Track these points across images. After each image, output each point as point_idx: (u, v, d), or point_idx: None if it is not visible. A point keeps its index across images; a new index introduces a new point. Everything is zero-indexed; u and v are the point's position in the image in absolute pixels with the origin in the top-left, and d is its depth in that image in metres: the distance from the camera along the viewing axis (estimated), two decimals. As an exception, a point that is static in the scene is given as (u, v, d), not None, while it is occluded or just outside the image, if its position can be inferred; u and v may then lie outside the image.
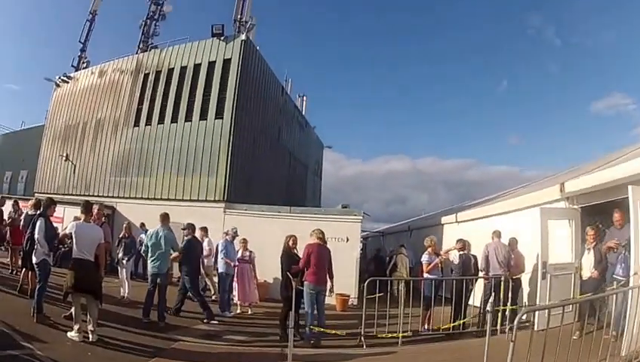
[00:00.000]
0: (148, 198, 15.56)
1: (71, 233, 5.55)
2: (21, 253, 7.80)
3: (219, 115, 15.13)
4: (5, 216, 10.27)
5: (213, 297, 10.03)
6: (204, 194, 14.76)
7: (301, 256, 7.00)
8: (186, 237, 8.30)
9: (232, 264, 9.30)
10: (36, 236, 6.12)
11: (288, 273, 6.94)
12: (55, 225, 6.86)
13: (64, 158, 17.78)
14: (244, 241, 9.56)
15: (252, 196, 15.45)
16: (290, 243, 7.32)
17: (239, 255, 9.44)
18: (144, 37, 18.00)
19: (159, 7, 18.40)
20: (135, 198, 15.87)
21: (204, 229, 9.78)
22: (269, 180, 17.93)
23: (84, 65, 19.06)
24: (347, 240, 11.93)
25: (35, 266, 6.19)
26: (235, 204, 14.25)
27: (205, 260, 10.00)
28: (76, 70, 19.09)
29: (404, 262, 12.74)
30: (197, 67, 15.99)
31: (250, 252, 9.60)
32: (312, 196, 23.20)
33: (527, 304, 7.80)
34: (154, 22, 18.28)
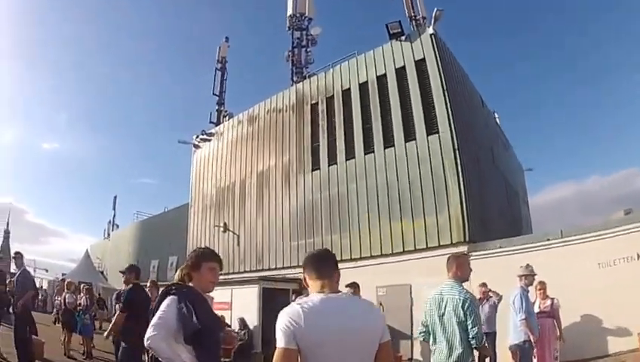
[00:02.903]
0: (350, 259, 11.36)
1: (293, 342, 1.82)
2: None
3: (431, 129, 11.06)
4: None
5: None
6: (435, 239, 10.36)
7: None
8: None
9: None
10: (149, 335, 2.39)
11: None
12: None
13: (222, 229, 14.36)
14: (542, 285, 6.65)
15: (489, 232, 11.00)
16: None
17: (536, 307, 6.48)
18: (296, 68, 14.98)
19: (305, 33, 15.49)
20: (331, 263, 11.73)
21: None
22: (497, 211, 13.24)
23: (226, 118, 16.27)
24: (638, 257, 7.60)
25: None
26: (482, 243, 9.89)
27: None
28: (216, 125, 16.29)
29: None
30: (381, 79, 12.34)
31: (552, 299, 6.67)
32: (526, 229, 18.07)
33: None
34: (303, 49, 15.32)
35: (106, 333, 5.87)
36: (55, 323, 12.14)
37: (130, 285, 5.44)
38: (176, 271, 3.07)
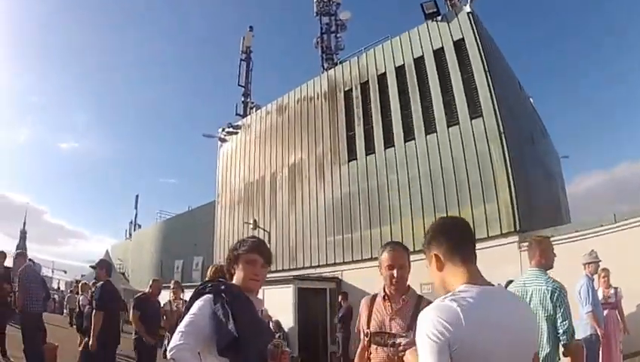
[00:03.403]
0: (392, 256, 10.56)
1: (447, 354, 1.18)
2: None
3: (474, 113, 10.30)
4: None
5: None
6: (484, 230, 9.56)
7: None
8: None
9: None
10: (173, 344, 1.69)
11: None
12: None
13: (251, 226, 13.75)
14: (606, 273, 6.21)
15: (537, 221, 10.29)
16: None
17: (599, 296, 5.99)
18: (326, 55, 14.37)
19: (334, 18, 14.82)
20: (369, 260, 10.99)
21: None
22: (541, 199, 12.41)
23: (252, 109, 15.72)
24: None
25: None
26: (533, 232, 8.84)
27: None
28: (243, 117, 15.74)
29: None
30: (419, 61, 11.59)
31: (616, 289, 6.31)
32: (566, 217, 17.13)
33: None
34: (332, 34, 14.67)
35: (90, 344, 5.13)
36: (71, 325, 11.84)
37: (101, 282, 5.23)
38: (202, 272, 2.46)
